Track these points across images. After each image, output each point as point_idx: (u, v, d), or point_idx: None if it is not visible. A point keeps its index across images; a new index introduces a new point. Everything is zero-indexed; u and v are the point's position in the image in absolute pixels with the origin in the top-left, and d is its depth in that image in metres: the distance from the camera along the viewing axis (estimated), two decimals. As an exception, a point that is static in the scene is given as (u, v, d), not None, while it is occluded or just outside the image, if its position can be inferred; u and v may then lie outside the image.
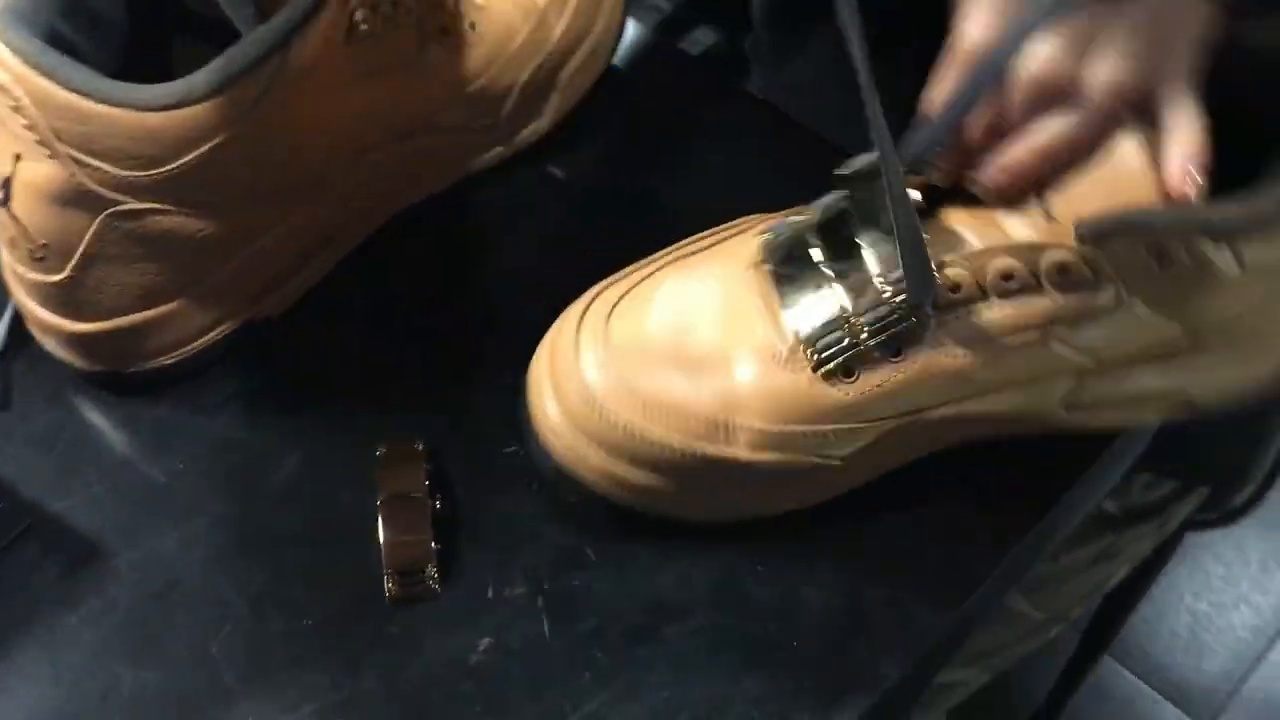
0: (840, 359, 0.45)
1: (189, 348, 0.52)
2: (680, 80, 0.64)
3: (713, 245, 0.50)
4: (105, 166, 0.45)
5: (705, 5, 0.67)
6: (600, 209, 0.59)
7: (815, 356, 0.45)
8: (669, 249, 0.51)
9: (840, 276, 0.45)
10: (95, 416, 0.53)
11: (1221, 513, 0.87)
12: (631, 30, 0.63)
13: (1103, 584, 0.85)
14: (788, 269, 0.47)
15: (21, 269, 0.49)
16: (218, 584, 0.48)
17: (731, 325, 0.46)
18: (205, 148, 0.45)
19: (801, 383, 0.45)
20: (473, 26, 0.56)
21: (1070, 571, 0.80)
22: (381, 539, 0.48)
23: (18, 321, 0.53)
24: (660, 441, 0.45)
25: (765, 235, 0.48)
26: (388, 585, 0.48)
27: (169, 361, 0.52)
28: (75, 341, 0.51)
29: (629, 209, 0.59)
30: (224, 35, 0.46)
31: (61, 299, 0.49)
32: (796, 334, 0.45)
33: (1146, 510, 0.81)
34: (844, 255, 0.46)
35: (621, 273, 0.50)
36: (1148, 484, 0.81)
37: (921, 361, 0.45)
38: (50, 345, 0.52)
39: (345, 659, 0.46)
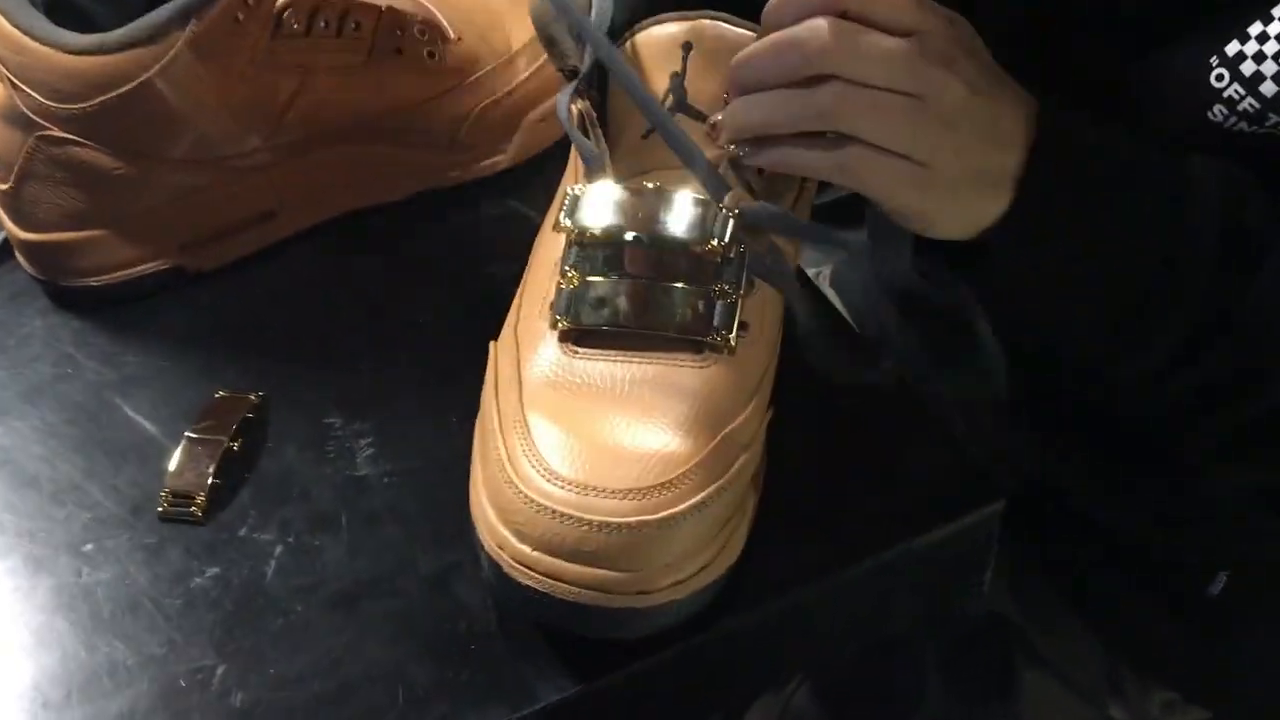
0: None
1: (115, 275, 0.60)
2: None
3: None
4: (34, 94, 0.54)
5: None
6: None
7: None
8: None
9: None
10: None
11: None
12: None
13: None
14: None
15: (-10, 176, 0.59)
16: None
17: None
18: (114, 94, 0.53)
19: None
20: (431, 55, 0.61)
21: None
22: (171, 465, 0.53)
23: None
24: None
25: None
26: (161, 502, 0.53)
27: (96, 283, 0.60)
28: (23, 248, 0.60)
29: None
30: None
31: (9, 206, 0.58)
32: None
33: None
34: None
35: None
36: (1168, 702, 0.73)
37: None
38: (16, 250, 0.61)
39: (107, 557, 0.51)
